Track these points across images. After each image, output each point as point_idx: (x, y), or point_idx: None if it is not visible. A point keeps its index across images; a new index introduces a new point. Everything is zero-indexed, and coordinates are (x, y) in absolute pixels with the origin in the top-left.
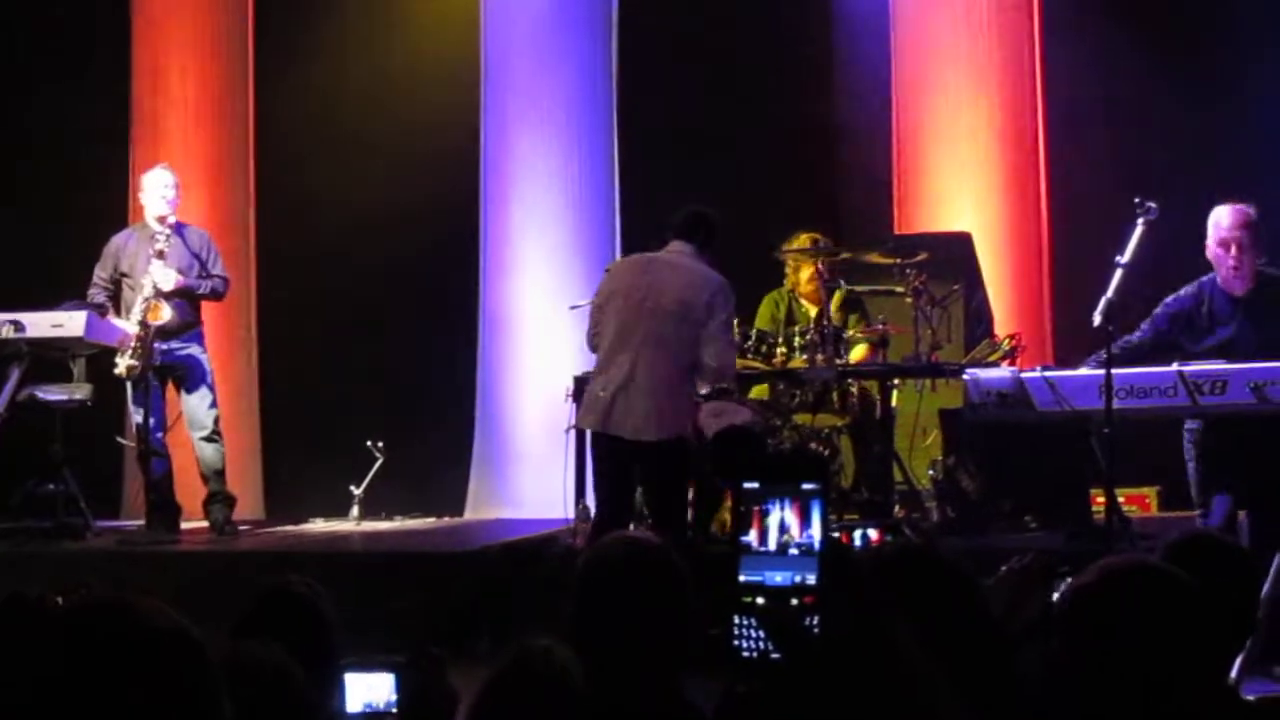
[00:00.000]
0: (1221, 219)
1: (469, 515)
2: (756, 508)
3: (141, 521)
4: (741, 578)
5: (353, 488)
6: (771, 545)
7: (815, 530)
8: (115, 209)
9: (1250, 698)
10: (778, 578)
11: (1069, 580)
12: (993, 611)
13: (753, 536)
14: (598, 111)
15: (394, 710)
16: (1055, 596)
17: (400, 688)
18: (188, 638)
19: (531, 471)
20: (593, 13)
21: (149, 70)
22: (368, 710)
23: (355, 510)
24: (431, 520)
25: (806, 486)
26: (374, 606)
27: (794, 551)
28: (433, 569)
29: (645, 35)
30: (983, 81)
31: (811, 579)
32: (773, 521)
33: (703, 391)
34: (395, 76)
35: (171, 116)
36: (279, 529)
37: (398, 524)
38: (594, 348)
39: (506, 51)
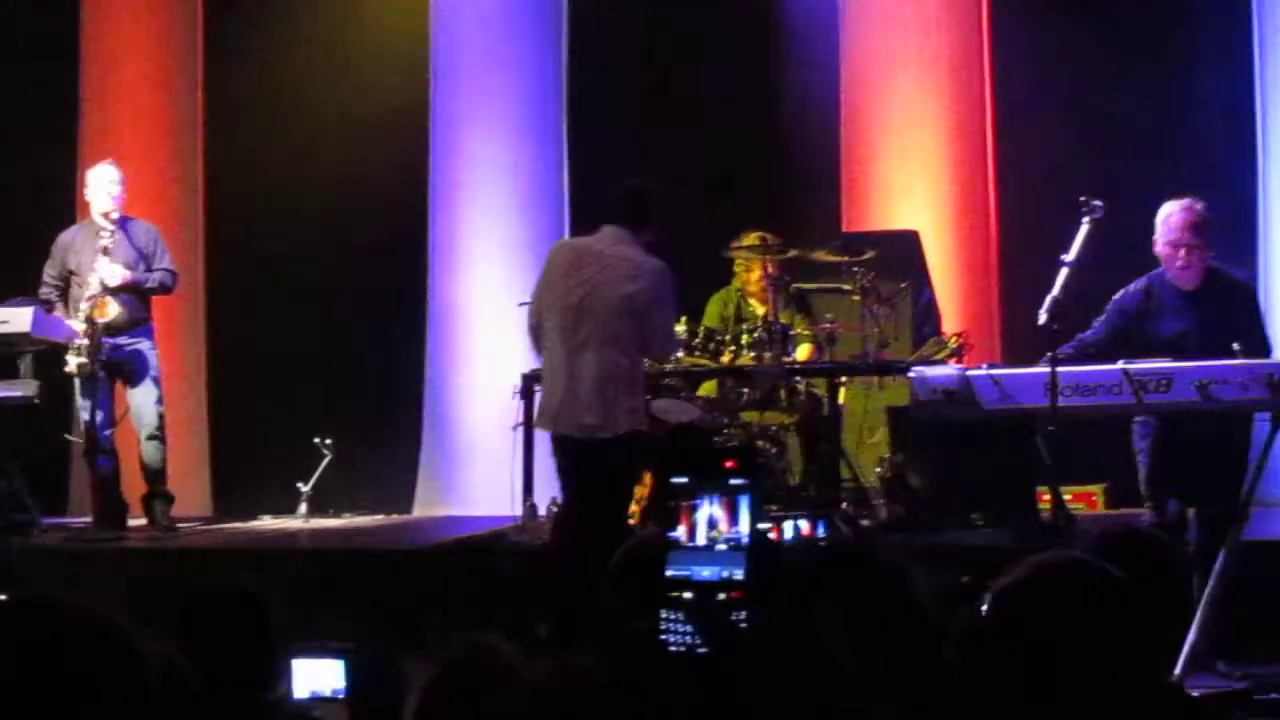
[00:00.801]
0: (1170, 219)
1: (417, 512)
2: (685, 503)
3: (89, 518)
4: (669, 572)
5: (300, 485)
6: (700, 540)
7: (743, 525)
8: (63, 204)
9: (1195, 693)
10: (705, 573)
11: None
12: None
13: (681, 531)
14: (547, 108)
15: (341, 696)
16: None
17: (349, 674)
18: (118, 635)
19: (480, 468)
20: (543, 9)
21: (98, 65)
22: (315, 697)
23: (303, 507)
24: (380, 517)
25: (734, 482)
26: (321, 603)
27: (722, 547)
28: (380, 566)
29: (595, 32)
30: (931, 79)
31: (739, 574)
32: (701, 516)
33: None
34: (345, 71)
35: (120, 112)
36: (227, 525)
37: (346, 521)
38: (535, 342)
39: (456, 47)
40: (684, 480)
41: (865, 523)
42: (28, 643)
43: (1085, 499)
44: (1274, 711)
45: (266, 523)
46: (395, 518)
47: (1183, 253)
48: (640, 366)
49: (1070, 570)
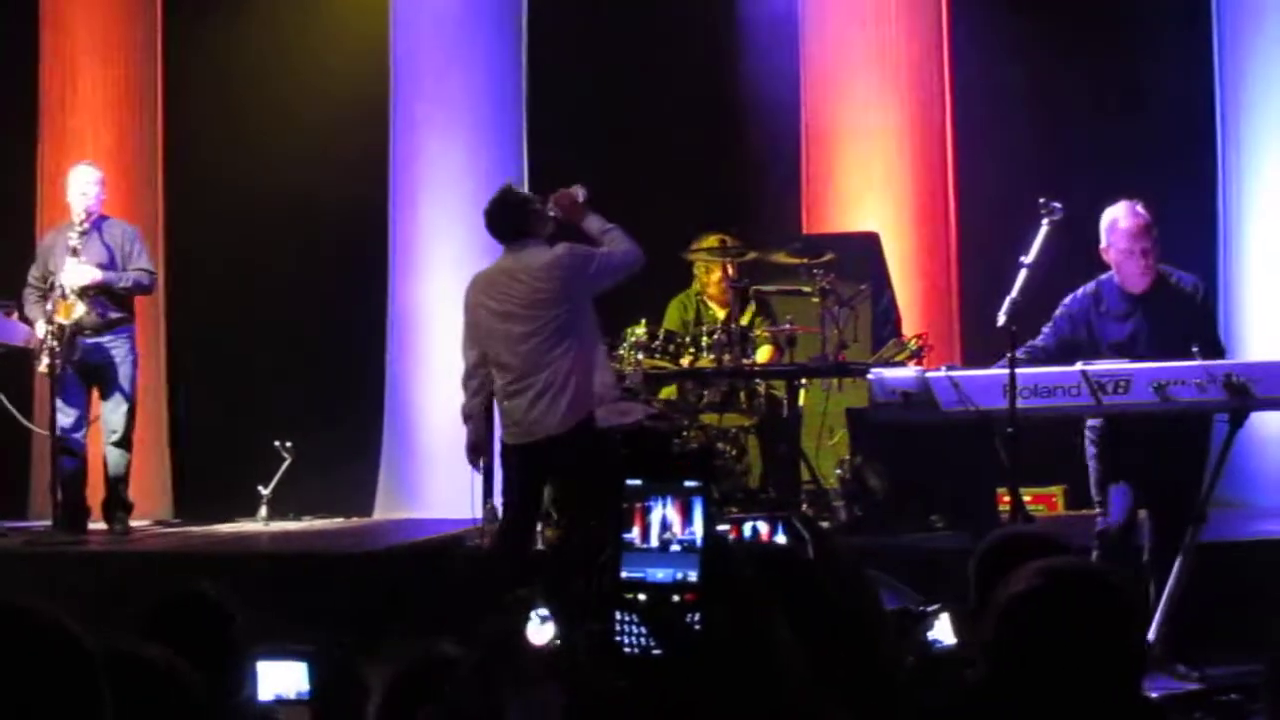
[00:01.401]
0: (1119, 226)
1: (377, 515)
2: (638, 505)
3: (48, 521)
4: (623, 574)
5: (260, 488)
6: (653, 542)
7: (697, 527)
8: (23, 210)
9: (1153, 695)
10: (659, 574)
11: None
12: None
13: (635, 533)
14: (506, 111)
15: (305, 699)
16: (930, 635)
17: (312, 677)
18: (68, 635)
19: (440, 472)
20: (501, 13)
21: (57, 72)
22: (279, 699)
23: (263, 510)
24: (339, 520)
25: (688, 484)
26: (281, 607)
27: (675, 548)
28: (340, 569)
29: (554, 34)
30: (891, 81)
31: (693, 576)
32: (654, 518)
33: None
34: (304, 76)
35: (80, 116)
36: (187, 529)
37: (305, 524)
38: (471, 386)
39: (415, 51)
40: (637, 482)
41: (825, 525)
42: None
43: (1045, 500)
44: (1232, 713)
45: (227, 526)
46: (355, 521)
47: (1139, 260)
48: (591, 353)
49: (1079, 577)
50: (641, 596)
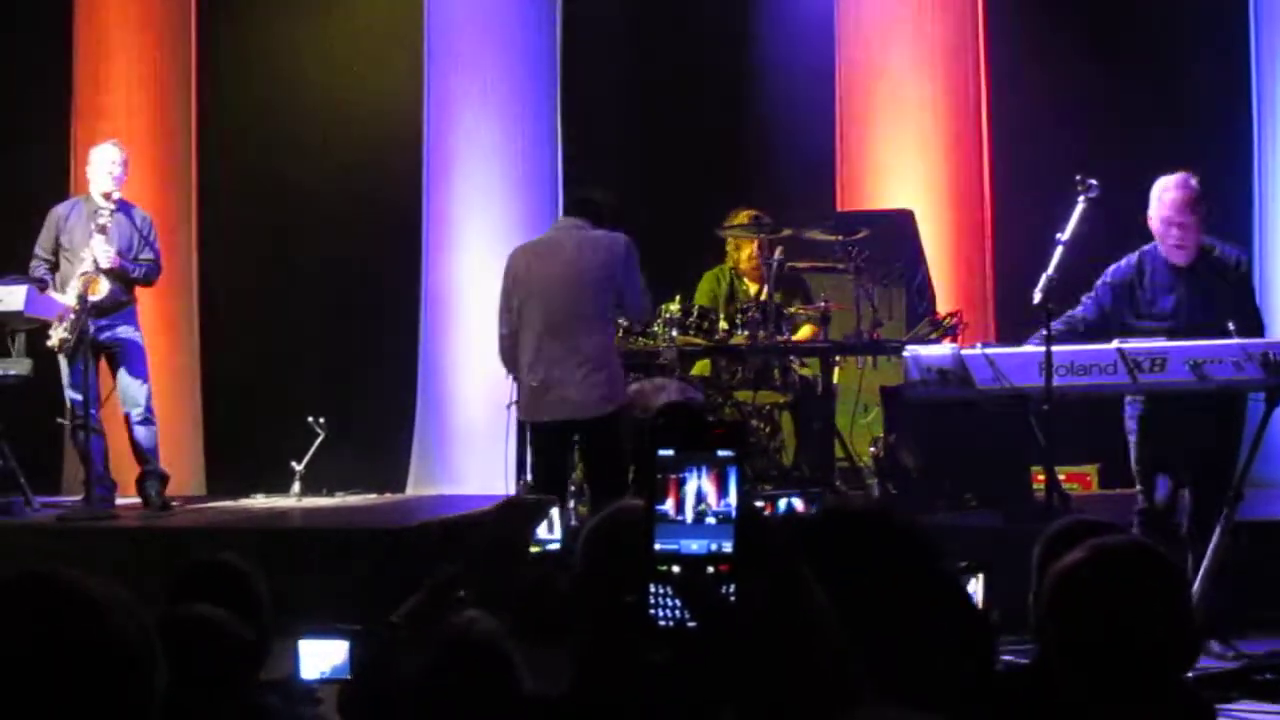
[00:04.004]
0: (1165, 198)
1: (410, 491)
2: (673, 476)
3: (81, 497)
4: (657, 546)
5: (294, 463)
6: (688, 514)
7: (732, 498)
8: (57, 187)
9: (1189, 674)
10: (693, 546)
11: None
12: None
13: (669, 505)
14: (540, 87)
15: (348, 677)
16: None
17: (352, 655)
18: (122, 603)
19: (473, 448)
20: None
21: (91, 49)
22: (323, 678)
23: (296, 486)
24: (373, 496)
25: (723, 454)
26: (314, 582)
27: (710, 520)
28: (373, 545)
29: (588, 10)
30: (926, 58)
31: (728, 547)
32: (689, 490)
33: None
34: (338, 54)
35: (114, 94)
36: (219, 504)
37: (339, 500)
38: (508, 346)
39: (449, 28)
40: (671, 453)
41: (852, 494)
42: (22, 617)
43: (1079, 479)
44: (1269, 692)
45: (259, 501)
46: (389, 496)
47: (1175, 231)
48: (613, 343)
49: (1132, 554)
50: (675, 568)
